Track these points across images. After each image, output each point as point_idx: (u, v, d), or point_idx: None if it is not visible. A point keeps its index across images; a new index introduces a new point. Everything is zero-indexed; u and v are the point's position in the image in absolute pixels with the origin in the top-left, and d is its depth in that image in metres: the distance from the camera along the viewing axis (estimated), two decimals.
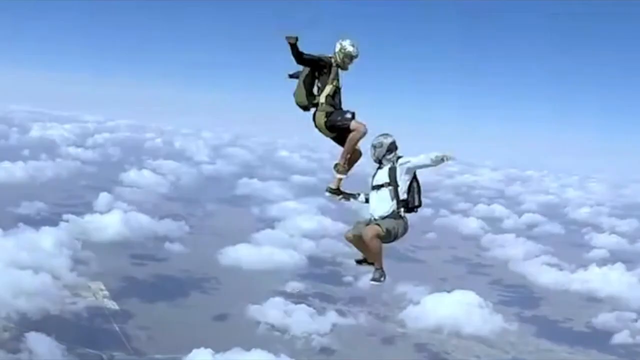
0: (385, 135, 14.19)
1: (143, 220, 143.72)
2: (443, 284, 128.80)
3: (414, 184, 14.28)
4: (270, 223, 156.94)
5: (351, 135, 14.20)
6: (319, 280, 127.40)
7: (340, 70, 14.66)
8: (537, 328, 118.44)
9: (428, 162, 13.67)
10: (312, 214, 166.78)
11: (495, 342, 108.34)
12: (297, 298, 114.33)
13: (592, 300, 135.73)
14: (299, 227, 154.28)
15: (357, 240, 14.25)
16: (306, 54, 14.01)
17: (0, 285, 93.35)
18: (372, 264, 14.64)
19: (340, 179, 14.86)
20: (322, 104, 14.42)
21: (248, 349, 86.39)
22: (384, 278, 14.47)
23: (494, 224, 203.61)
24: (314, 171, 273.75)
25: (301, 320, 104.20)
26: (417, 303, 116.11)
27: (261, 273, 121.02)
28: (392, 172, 13.87)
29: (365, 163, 14.74)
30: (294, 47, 13.65)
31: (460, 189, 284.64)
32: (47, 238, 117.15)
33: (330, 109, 14.41)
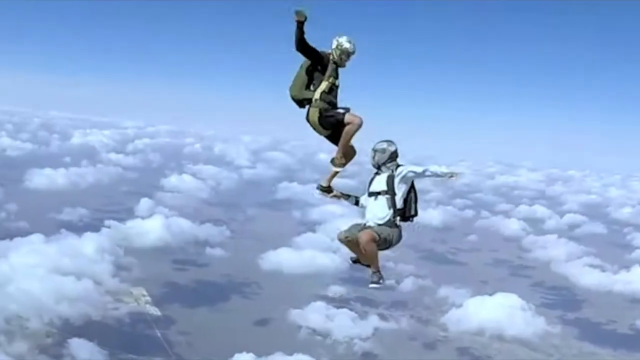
0: (389, 142, 14.13)
1: (184, 225, 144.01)
2: (485, 287, 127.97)
3: (412, 193, 14.09)
4: (311, 226, 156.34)
5: (347, 128, 14.03)
6: (360, 284, 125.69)
7: (338, 68, 14.41)
8: (580, 330, 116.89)
9: (428, 174, 13.64)
10: (353, 217, 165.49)
11: (538, 346, 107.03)
12: (339, 302, 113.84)
13: (636, 302, 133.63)
14: (340, 231, 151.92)
15: (350, 243, 14.26)
16: (310, 44, 13.77)
17: (43, 291, 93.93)
18: (367, 265, 14.46)
19: (335, 173, 14.75)
20: (316, 100, 14.12)
21: (290, 354, 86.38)
22: (383, 280, 14.21)
23: (535, 225, 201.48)
24: (353, 174, 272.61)
25: (343, 324, 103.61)
26: (459, 306, 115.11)
27: (302, 277, 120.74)
28: (390, 181, 13.78)
29: (364, 165, 14.59)
30: (300, 28, 13.34)
31: (500, 189, 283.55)
32: (89, 244, 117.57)
33: (325, 106, 14.12)
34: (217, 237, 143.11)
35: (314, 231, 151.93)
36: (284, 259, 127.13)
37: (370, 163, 14.18)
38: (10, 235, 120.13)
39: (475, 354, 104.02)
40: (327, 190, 14.96)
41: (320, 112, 14.09)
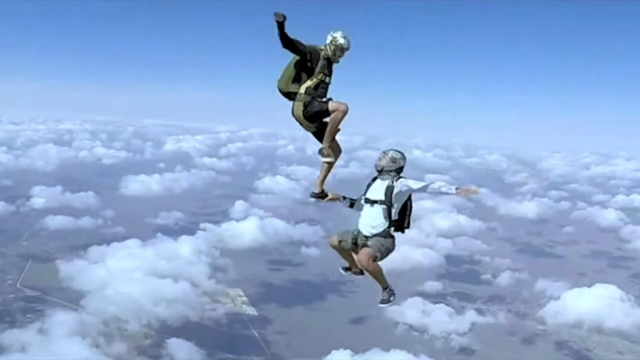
0: (403, 156, 13.69)
1: (279, 226, 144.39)
2: (582, 279, 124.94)
3: (408, 204, 13.61)
4: None
5: (332, 115, 13.65)
6: (457, 279, 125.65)
7: (331, 64, 14.04)
8: None
9: (429, 190, 13.29)
10: (448, 212, 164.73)
11: (638, 337, 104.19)
12: (436, 297, 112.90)
13: None
14: (435, 226, 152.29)
15: (343, 250, 14.09)
16: (293, 39, 13.36)
17: (141, 294, 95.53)
18: (358, 272, 14.42)
19: (325, 176, 14.37)
20: (300, 94, 13.80)
21: (387, 350, 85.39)
22: (394, 297, 14.01)
23: (634, 214, 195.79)
24: (447, 169, 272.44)
25: (440, 319, 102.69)
26: (557, 299, 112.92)
27: (398, 273, 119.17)
28: (389, 191, 13.27)
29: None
30: (281, 27, 12.93)
31: (596, 180, 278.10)
32: (185, 247, 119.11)
33: (309, 99, 13.75)
34: (312, 236, 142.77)
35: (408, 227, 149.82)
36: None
37: (375, 163, 13.75)
38: (107, 240, 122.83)
39: (574, 347, 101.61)
40: (320, 195, 14.47)
41: (304, 106, 13.77)
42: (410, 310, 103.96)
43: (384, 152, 13.65)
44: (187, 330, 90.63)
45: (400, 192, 13.17)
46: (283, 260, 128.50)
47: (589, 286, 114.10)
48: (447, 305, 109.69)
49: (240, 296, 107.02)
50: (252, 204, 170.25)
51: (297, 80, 13.89)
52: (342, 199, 14.38)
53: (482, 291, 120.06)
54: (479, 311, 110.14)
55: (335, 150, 14.18)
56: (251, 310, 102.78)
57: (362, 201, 13.64)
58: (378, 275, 13.42)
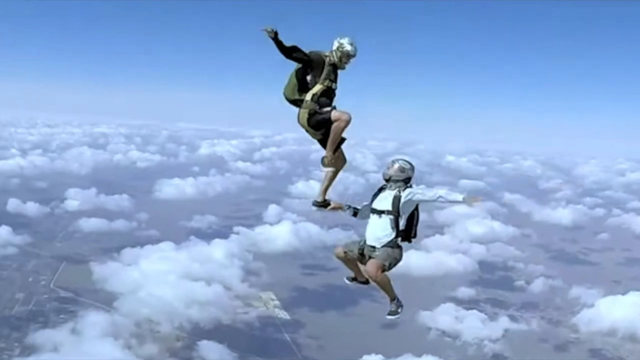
0: (412, 167, 13.43)
1: (312, 230, 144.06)
2: (617, 286, 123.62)
3: (415, 214, 13.38)
4: (439, 229, 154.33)
5: (334, 125, 13.34)
6: (490, 285, 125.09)
7: (337, 70, 13.75)
8: None
9: (437, 199, 12.92)
10: (482, 218, 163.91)
11: None
12: (468, 304, 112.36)
13: None
14: (468, 232, 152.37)
15: (349, 260, 13.90)
16: (294, 50, 13.19)
17: (173, 296, 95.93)
18: (363, 282, 14.29)
19: (328, 185, 14.26)
20: (306, 101, 13.49)
21: (419, 355, 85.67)
22: (401, 308, 13.90)
23: None
24: (481, 175, 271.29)
25: (472, 325, 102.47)
26: (591, 306, 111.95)
27: (431, 279, 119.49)
28: (396, 201, 13.06)
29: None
30: (276, 42, 12.77)
31: (632, 186, 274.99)
32: (218, 250, 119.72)
33: (315, 107, 13.46)
34: (345, 241, 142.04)
35: (442, 233, 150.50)
36: (412, 261, 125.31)
37: (383, 172, 13.58)
38: (141, 243, 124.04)
39: (607, 355, 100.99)
40: (323, 204, 14.33)
41: (309, 114, 13.51)
42: (443, 316, 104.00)
43: (393, 161, 13.49)
44: (219, 333, 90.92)
45: (407, 202, 12.99)
46: (316, 264, 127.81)
47: (623, 294, 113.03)
48: (480, 311, 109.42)
49: (272, 300, 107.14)
50: (286, 208, 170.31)
51: (303, 87, 13.67)
52: (345, 208, 14.25)
53: (516, 298, 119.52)
54: (512, 318, 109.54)
55: (339, 159, 14.01)
56: (283, 314, 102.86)
57: (369, 211, 13.50)
58: (386, 286, 13.33)
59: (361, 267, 13.72)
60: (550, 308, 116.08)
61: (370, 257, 13.08)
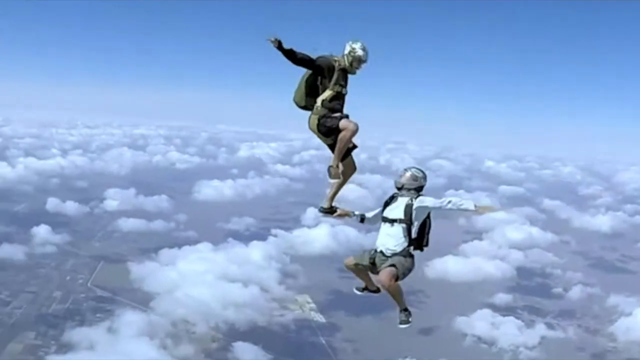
0: (425, 176, 13.31)
1: (350, 234, 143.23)
2: None
3: (427, 222, 13.16)
4: (477, 234, 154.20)
5: (341, 134, 13.06)
6: (527, 292, 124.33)
7: (347, 74, 13.52)
8: None
9: (450, 207, 12.64)
10: (520, 224, 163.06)
11: None
12: (505, 310, 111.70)
13: None
14: (507, 238, 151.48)
15: (359, 271, 13.88)
16: (301, 55, 12.92)
17: (210, 297, 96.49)
18: (374, 291, 14.36)
19: (335, 192, 14.07)
20: (317, 107, 13.30)
21: None
22: (411, 317, 13.89)
23: None
24: (521, 181, 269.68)
25: (509, 332, 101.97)
26: (629, 315, 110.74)
27: (469, 285, 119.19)
28: (408, 210, 12.89)
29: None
30: (281, 50, 12.53)
31: None
32: (256, 252, 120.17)
33: (325, 113, 13.25)
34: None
35: (480, 239, 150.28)
36: (450, 266, 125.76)
37: (395, 180, 13.39)
38: (179, 244, 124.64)
39: None
40: (329, 211, 14.24)
41: (319, 120, 13.31)
42: (479, 322, 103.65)
43: (405, 170, 13.32)
44: (255, 334, 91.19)
45: (419, 209, 12.83)
46: None
47: None
48: (517, 318, 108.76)
49: (308, 303, 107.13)
50: None
51: (312, 92, 13.53)
52: (352, 214, 14.22)
53: (553, 305, 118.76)
54: (549, 325, 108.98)
55: (349, 167, 13.84)
56: (319, 318, 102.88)
57: (378, 218, 13.47)
58: (397, 296, 13.24)
59: (372, 276, 13.72)
60: (587, 316, 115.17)
61: (382, 266, 12.93)
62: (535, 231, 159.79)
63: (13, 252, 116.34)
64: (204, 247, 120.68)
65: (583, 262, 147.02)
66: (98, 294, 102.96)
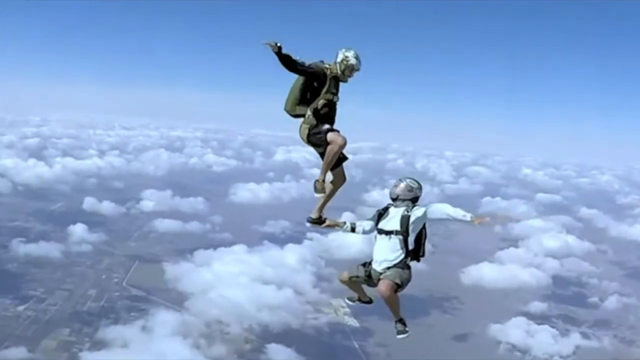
0: (420, 186, 13.47)
1: None
2: None
3: (423, 232, 13.32)
4: (513, 242, 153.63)
5: (328, 148, 13.20)
6: (563, 300, 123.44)
7: (339, 82, 13.42)
8: None
9: (444, 217, 12.69)
10: (557, 232, 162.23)
11: None
12: (540, 319, 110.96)
13: None
14: (543, 246, 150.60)
15: (353, 283, 14.29)
16: (297, 62, 12.61)
17: (244, 299, 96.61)
18: (366, 302, 14.90)
19: (324, 202, 14.20)
20: (308, 116, 13.26)
21: None
22: (407, 326, 13.97)
23: None
24: (558, 189, 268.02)
25: (543, 341, 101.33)
26: None
27: (504, 292, 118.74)
28: (405, 221, 13.03)
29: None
30: (280, 55, 12.21)
31: None
32: (291, 255, 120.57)
33: (314, 122, 13.24)
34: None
35: (516, 246, 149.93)
36: (485, 273, 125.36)
37: (390, 191, 13.61)
38: (214, 245, 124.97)
39: None
40: (317, 222, 14.29)
41: (309, 129, 13.33)
42: (514, 330, 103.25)
43: (400, 180, 13.50)
44: (288, 337, 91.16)
45: (416, 220, 12.87)
46: None
47: None
48: (552, 327, 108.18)
49: (342, 307, 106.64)
50: (360, 216, 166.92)
51: (303, 100, 13.39)
52: (342, 224, 14.19)
53: (588, 314, 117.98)
54: (584, 335, 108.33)
55: (339, 177, 14.01)
56: (353, 322, 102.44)
57: (372, 227, 13.55)
58: (394, 306, 13.33)
59: (366, 288, 14.15)
60: (623, 326, 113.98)
61: (379, 279, 13.08)
62: (571, 240, 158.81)
63: (49, 249, 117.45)
64: (239, 249, 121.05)
65: (619, 272, 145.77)
66: (133, 293, 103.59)
